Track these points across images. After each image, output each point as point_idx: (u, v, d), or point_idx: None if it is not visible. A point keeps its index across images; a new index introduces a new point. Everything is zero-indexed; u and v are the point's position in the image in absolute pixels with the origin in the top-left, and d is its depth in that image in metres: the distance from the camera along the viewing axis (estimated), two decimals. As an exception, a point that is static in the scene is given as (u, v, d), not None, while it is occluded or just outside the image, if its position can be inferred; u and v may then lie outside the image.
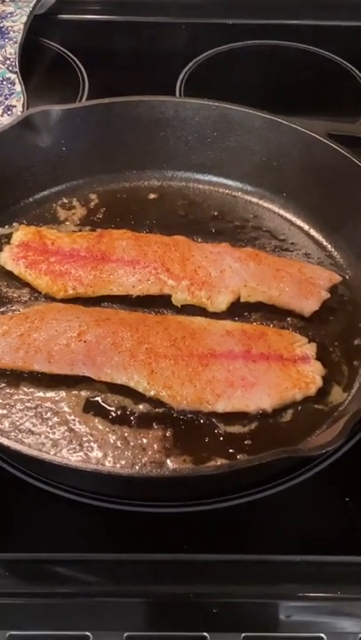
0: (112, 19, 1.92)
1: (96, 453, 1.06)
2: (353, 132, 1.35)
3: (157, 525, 1.02)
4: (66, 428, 1.08)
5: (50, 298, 1.26)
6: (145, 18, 1.91)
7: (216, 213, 1.41)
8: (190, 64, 1.79)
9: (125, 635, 0.95)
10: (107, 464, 1.04)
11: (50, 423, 1.09)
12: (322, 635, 0.95)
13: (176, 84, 1.73)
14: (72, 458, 1.04)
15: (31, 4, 1.77)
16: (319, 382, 1.13)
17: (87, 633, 0.95)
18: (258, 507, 1.04)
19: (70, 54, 1.79)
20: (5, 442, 0.94)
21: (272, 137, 1.37)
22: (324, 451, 0.93)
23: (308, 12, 1.91)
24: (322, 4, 1.93)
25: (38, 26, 1.80)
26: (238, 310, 1.24)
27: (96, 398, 1.12)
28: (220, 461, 1.05)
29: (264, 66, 1.84)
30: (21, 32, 1.71)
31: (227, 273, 1.25)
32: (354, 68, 1.79)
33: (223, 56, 1.83)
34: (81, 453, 1.06)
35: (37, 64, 1.78)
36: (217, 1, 1.94)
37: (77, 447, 1.06)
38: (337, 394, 1.14)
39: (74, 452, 1.06)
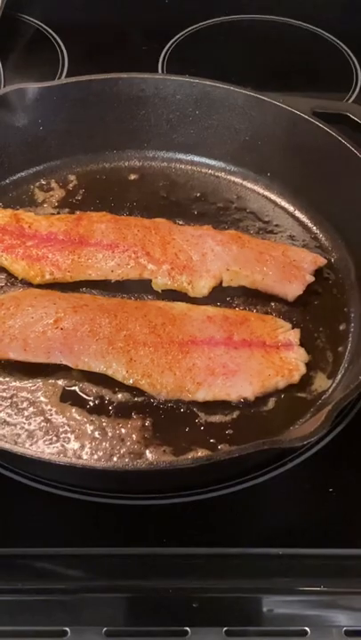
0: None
1: (73, 445, 1.03)
2: (339, 109, 1.31)
3: (136, 518, 1.00)
4: (42, 418, 1.05)
5: (27, 283, 1.22)
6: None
7: (198, 194, 1.37)
8: (174, 39, 1.74)
9: (104, 630, 0.92)
10: (84, 456, 1.01)
11: (26, 413, 1.06)
12: (306, 628, 0.92)
13: (159, 59, 1.68)
14: (48, 450, 1.01)
15: (8, -22, 1.71)
16: (303, 369, 1.10)
17: (65, 628, 0.92)
18: (239, 498, 1.01)
19: (50, 30, 1.74)
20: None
21: (255, 115, 1.33)
22: (305, 442, 0.90)
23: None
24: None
25: (17, 1, 1.75)
26: (221, 295, 1.21)
27: (73, 387, 1.09)
28: (200, 452, 1.02)
29: (250, 41, 1.78)
30: (-2, 7, 1.66)
31: (208, 256, 1.22)
32: (341, 44, 1.75)
33: (208, 30, 1.78)
34: (58, 445, 1.03)
35: (15, 41, 1.72)
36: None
37: (54, 438, 1.03)
38: (321, 381, 1.11)
39: (50, 444, 1.03)
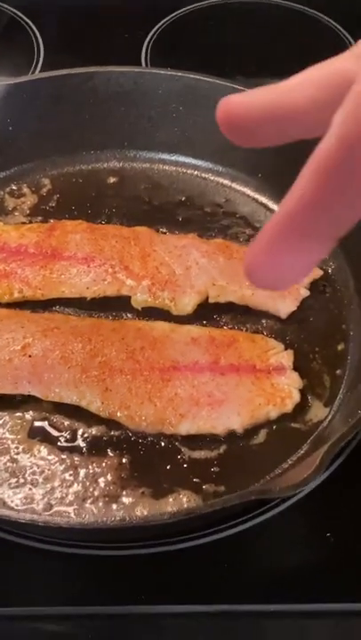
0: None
1: (41, 489, 0.92)
2: (335, 104, 1.19)
3: (108, 571, 0.89)
4: (8, 458, 0.95)
5: (-6, 302, 1.11)
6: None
7: (184, 198, 1.26)
8: (159, 24, 1.62)
9: None
10: (53, 501, 0.91)
11: (-11, 452, 0.96)
12: None
13: (142, 47, 1.56)
14: (13, 496, 0.91)
15: None
16: (296, 397, 1.00)
17: None
18: (226, 546, 0.91)
19: (25, 18, 1.62)
20: None
21: (244, 111, 1.21)
22: (297, 490, 0.79)
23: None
24: None
25: (-11, -15, 1.63)
26: (207, 312, 1.10)
27: (43, 421, 0.99)
28: (182, 494, 0.92)
29: (242, 25, 1.66)
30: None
31: (193, 270, 1.11)
32: (339, 26, 1.63)
33: (197, 14, 1.66)
34: (25, 489, 0.92)
35: (-12, 29, 1.61)
36: None
37: (21, 481, 0.93)
38: (317, 409, 1.01)
39: (16, 488, 0.92)
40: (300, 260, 0.48)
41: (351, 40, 1.60)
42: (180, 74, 1.23)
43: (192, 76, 1.23)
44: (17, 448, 0.96)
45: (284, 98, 0.52)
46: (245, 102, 0.54)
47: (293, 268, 0.49)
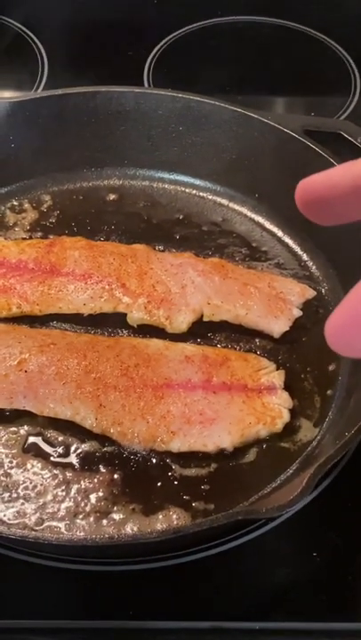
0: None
1: (33, 503, 0.94)
2: (331, 127, 1.21)
3: (98, 586, 0.91)
4: (1, 472, 0.97)
5: (-8, 316, 1.13)
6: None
7: (181, 217, 1.28)
8: (162, 42, 1.64)
9: None
10: (44, 517, 0.93)
11: (-17, 466, 0.98)
12: None
13: (145, 65, 1.58)
14: (5, 511, 0.93)
15: (-14, -22, 1.62)
16: (286, 417, 1.01)
17: None
18: (214, 563, 0.92)
19: (30, 34, 1.64)
20: None
21: (243, 132, 1.23)
22: (283, 512, 0.81)
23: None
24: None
25: (-4, 1, 1.66)
26: (201, 330, 1.12)
27: (37, 437, 1.00)
28: (172, 511, 0.94)
29: (243, 45, 1.68)
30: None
31: (188, 289, 1.13)
32: (338, 46, 1.64)
33: (199, 33, 1.68)
34: (17, 504, 0.94)
35: (-7, 44, 1.64)
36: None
37: (14, 495, 0.95)
38: (307, 430, 1.02)
39: (9, 502, 0.94)
40: None
41: (350, 59, 1.62)
42: (180, 95, 1.25)
43: (193, 97, 1.25)
44: (11, 462, 0.98)
45: None
46: (326, 181, 0.55)
47: None
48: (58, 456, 0.99)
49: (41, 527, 0.92)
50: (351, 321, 0.49)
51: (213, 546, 0.93)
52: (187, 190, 1.31)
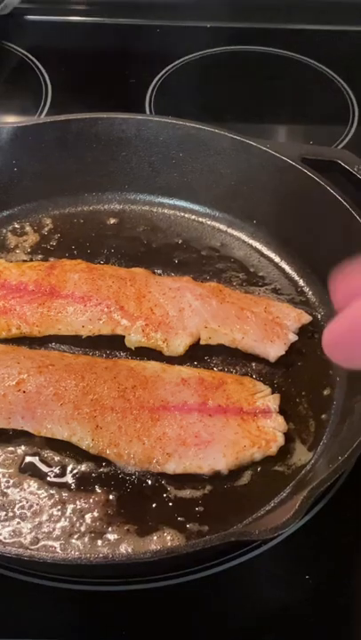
0: (81, 20, 1.80)
1: (29, 523, 0.95)
2: (329, 156, 1.23)
3: (91, 606, 0.92)
4: (-2, 491, 0.98)
5: (-8, 336, 1.15)
6: (116, 20, 1.79)
7: (180, 241, 1.30)
8: (164, 70, 1.67)
9: None
10: (40, 536, 0.94)
11: (-20, 485, 0.99)
12: None
13: (147, 92, 1.61)
14: (2, 529, 0.94)
15: (-7, 5, 1.66)
16: (281, 440, 1.03)
17: None
18: (204, 586, 0.93)
19: (34, 59, 1.67)
20: None
21: (242, 159, 1.26)
22: (276, 534, 0.82)
23: (289, 16, 1.79)
24: (305, 6, 1.81)
25: (1, 27, 1.69)
26: (198, 353, 1.13)
27: (34, 456, 1.02)
28: (167, 532, 0.95)
29: (244, 73, 1.71)
30: (-19, 35, 1.60)
31: (186, 312, 1.14)
32: (337, 77, 1.67)
33: (200, 62, 1.71)
34: (13, 522, 0.95)
35: (-2, 69, 1.67)
36: (195, 2, 1.81)
37: (10, 514, 0.96)
38: (301, 453, 1.03)
39: (5, 521, 0.95)
40: None
41: (348, 88, 1.65)
42: (180, 122, 1.27)
43: (192, 124, 1.27)
44: (7, 482, 0.99)
45: None
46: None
47: None
48: (54, 476, 1.00)
49: (36, 546, 0.93)
50: (349, 331, 0.51)
51: (207, 567, 0.94)
52: (186, 215, 1.33)
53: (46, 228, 1.30)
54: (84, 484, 0.99)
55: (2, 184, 1.29)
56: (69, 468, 1.01)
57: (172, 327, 1.13)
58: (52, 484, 0.99)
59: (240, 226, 1.30)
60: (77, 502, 0.97)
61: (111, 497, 0.98)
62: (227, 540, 0.82)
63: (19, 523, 0.95)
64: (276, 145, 1.25)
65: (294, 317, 1.15)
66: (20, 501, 0.97)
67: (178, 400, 1.05)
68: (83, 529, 0.95)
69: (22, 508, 0.97)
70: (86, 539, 0.94)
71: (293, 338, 1.14)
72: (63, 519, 0.96)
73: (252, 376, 1.12)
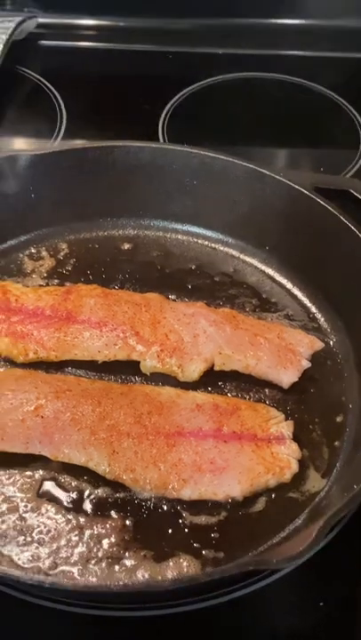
0: (94, 46, 1.83)
1: (47, 548, 0.96)
2: (340, 185, 1.26)
3: (105, 631, 0.93)
4: (17, 516, 0.99)
5: (9, 360, 1.16)
6: (129, 46, 1.82)
7: (194, 267, 1.32)
8: (177, 96, 1.70)
9: None
10: (58, 561, 0.95)
11: (-1, 510, 1.00)
12: None
13: (160, 118, 1.64)
14: (20, 554, 0.95)
15: (9, 31, 1.68)
16: (295, 467, 1.04)
17: None
18: (218, 613, 0.94)
19: (49, 85, 1.70)
20: None
21: (255, 188, 1.28)
22: (293, 563, 0.83)
23: (300, 43, 1.82)
24: (315, 33, 1.84)
25: (17, 52, 1.71)
26: (212, 379, 1.15)
27: (52, 481, 1.03)
28: (182, 558, 0.96)
29: (256, 99, 1.74)
30: (-3, 60, 1.63)
31: (200, 338, 1.16)
32: (345, 102, 1.70)
33: (212, 88, 1.74)
34: (32, 547, 0.96)
35: (14, 94, 1.69)
36: (207, 28, 1.84)
37: (28, 539, 0.97)
38: (315, 480, 1.05)
39: (24, 546, 0.96)
40: None
41: (355, 112, 1.67)
42: (195, 151, 1.30)
43: (207, 153, 1.30)
44: (26, 507, 1.00)
45: None
46: None
47: None
48: (71, 501, 1.01)
49: (55, 571, 0.94)
50: None
51: (221, 594, 0.95)
52: (199, 241, 1.35)
53: (62, 253, 1.32)
54: (100, 510, 1.01)
55: (19, 210, 1.31)
56: (86, 493, 1.02)
57: (187, 353, 1.15)
58: (69, 510, 1.00)
59: (253, 252, 1.33)
60: (94, 528, 0.99)
61: (128, 522, 0.99)
62: (245, 568, 0.83)
63: (37, 547, 0.96)
64: (289, 174, 1.27)
65: (307, 344, 1.17)
66: (39, 526, 0.98)
67: (193, 426, 1.06)
68: (100, 554, 0.96)
69: (40, 532, 0.98)
70: (103, 564, 0.95)
71: (306, 364, 1.15)
72: (81, 544, 0.97)
73: (265, 402, 1.13)
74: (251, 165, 1.27)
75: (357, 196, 1.24)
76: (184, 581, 0.82)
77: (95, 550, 0.97)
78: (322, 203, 1.21)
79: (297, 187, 1.24)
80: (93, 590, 0.83)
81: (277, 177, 1.25)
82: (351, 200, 1.26)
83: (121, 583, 0.83)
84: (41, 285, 1.27)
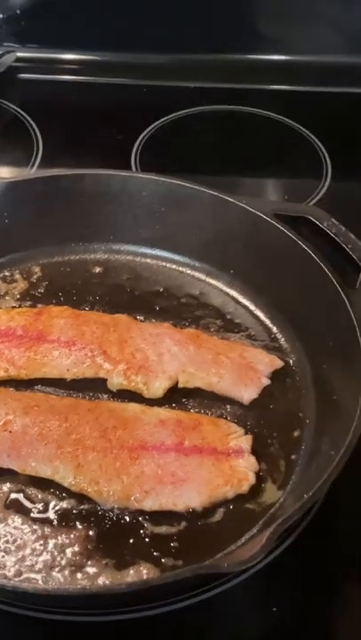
0: (71, 79, 1.91)
1: (13, 556, 1.00)
2: (300, 212, 1.32)
3: (69, 636, 0.97)
4: (-16, 526, 1.03)
5: (-20, 379, 1.21)
6: (105, 79, 1.89)
7: (162, 289, 1.37)
8: (150, 127, 1.77)
9: None
10: (22, 569, 0.99)
11: (-34, 521, 1.04)
12: None
13: (133, 148, 1.71)
14: (-14, 562, 0.99)
15: (-12, 64, 1.76)
16: (252, 479, 1.09)
17: None
18: (171, 620, 0.98)
19: (27, 116, 1.77)
20: None
21: (220, 214, 1.34)
22: (245, 567, 0.88)
23: (267, 77, 1.90)
24: (284, 68, 1.92)
25: (-4, 85, 1.79)
26: (176, 396, 1.20)
27: (19, 493, 1.07)
28: (143, 566, 1.00)
29: (227, 132, 1.81)
30: (-24, 93, 1.70)
31: (165, 357, 1.21)
32: (312, 135, 1.77)
33: (183, 120, 1.81)
34: (-3, 556, 1.00)
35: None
36: (180, 63, 1.92)
37: (-6, 548, 1.01)
38: (271, 492, 1.09)
39: (-10, 554, 1.00)
40: None
41: (321, 146, 1.75)
42: (162, 179, 1.36)
43: (174, 181, 1.36)
44: (-7, 518, 1.04)
45: None
46: None
47: None
48: (37, 512, 1.05)
49: (19, 578, 0.98)
50: None
51: (180, 600, 0.99)
52: (167, 265, 1.41)
53: (35, 276, 1.38)
54: (65, 520, 1.05)
55: (-7, 234, 1.36)
56: (52, 505, 1.06)
57: (152, 371, 1.20)
58: (35, 520, 1.04)
59: (218, 275, 1.38)
60: (59, 537, 1.03)
61: (91, 533, 1.04)
62: (197, 572, 0.87)
63: (3, 556, 1.00)
64: (252, 201, 1.33)
65: (267, 363, 1.23)
66: (5, 536, 1.02)
67: (156, 440, 1.11)
68: (63, 562, 1.00)
69: (7, 542, 1.02)
70: (67, 572, 0.99)
71: (266, 382, 1.21)
72: (45, 553, 1.01)
73: (226, 418, 1.18)
74: (215, 193, 1.34)
75: (315, 221, 1.30)
76: (138, 584, 0.86)
77: (59, 559, 1.01)
78: (281, 228, 1.27)
79: (258, 213, 1.30)
80: (53, 594, 0.87)
81: (240, 204, 1.32)
82: (310, 227, 1.32)
83: (79, 586, 0.87)
84: (14, 307, 1.32)
